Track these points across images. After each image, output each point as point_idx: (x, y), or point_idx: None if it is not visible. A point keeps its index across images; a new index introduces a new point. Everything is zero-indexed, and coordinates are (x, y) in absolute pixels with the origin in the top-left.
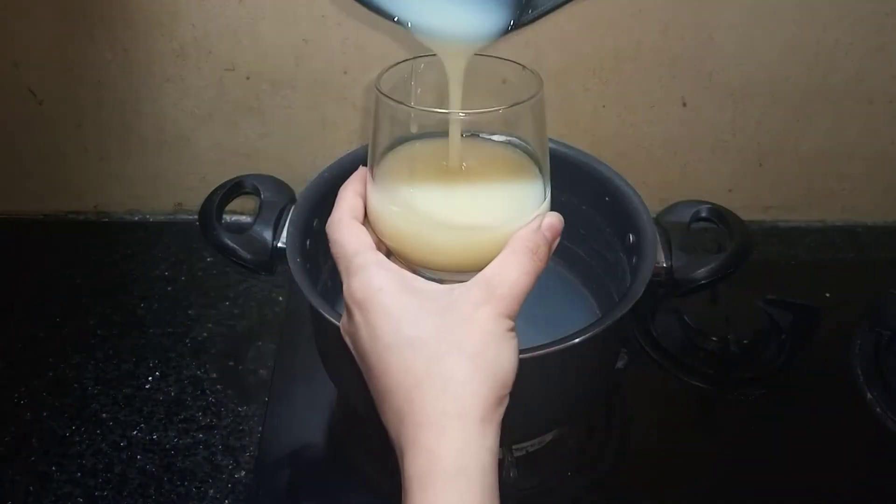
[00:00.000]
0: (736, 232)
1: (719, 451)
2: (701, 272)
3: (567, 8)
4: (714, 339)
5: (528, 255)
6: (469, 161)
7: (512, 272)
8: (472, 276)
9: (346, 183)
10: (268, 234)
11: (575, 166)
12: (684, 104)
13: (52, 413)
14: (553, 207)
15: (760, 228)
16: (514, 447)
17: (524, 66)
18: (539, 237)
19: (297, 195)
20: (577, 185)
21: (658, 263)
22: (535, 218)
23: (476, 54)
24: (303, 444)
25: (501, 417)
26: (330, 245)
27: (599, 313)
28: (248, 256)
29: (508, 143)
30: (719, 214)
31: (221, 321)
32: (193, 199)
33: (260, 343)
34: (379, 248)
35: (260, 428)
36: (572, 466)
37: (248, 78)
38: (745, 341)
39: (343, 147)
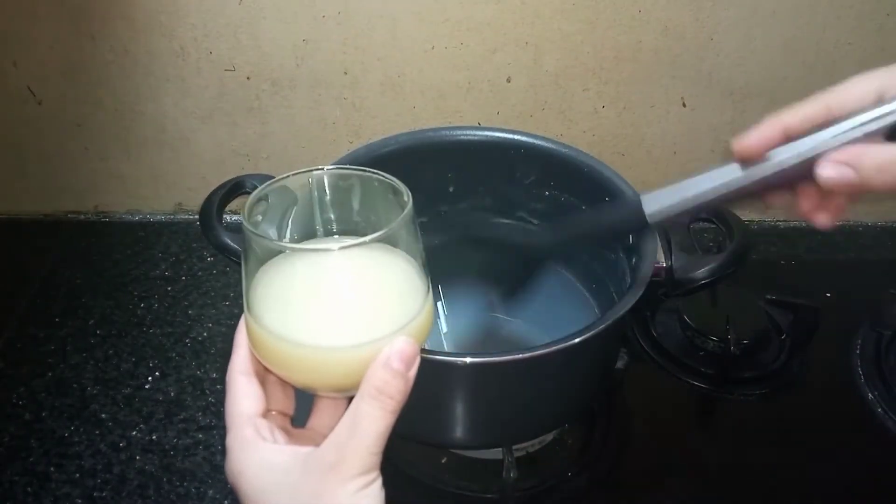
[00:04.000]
0: (736, 232)
1: (719, 451)
2: (701, 272)
3: (567, 8)
4: (714, 339)
5: (376, 400)
6: (336, 278)
7: (359, 425)
8: (351, 393)
9: (239, 325)
10: (269, 234)
11: (575, 166)
12: (684, 104)
13: (52, 413)
14: (554, 207)
15: (760, 228)
16: (514, 447)
17: (391, 181)
18: (386, 373)
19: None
20: (576, 185)
21: (658, 263)
22: (392, 341)
23: (345, 168)
24: None
25: None
26: None
27: (599, 313)
28: None
29: (384, 248)
30: (719, 214)
31: (221, 321)
32: (193, 199)
33: None
34: (269, 378)
35: None
36: (572, 466)
37: (248, 78)
38: (745, 341)
39: (343, 147)
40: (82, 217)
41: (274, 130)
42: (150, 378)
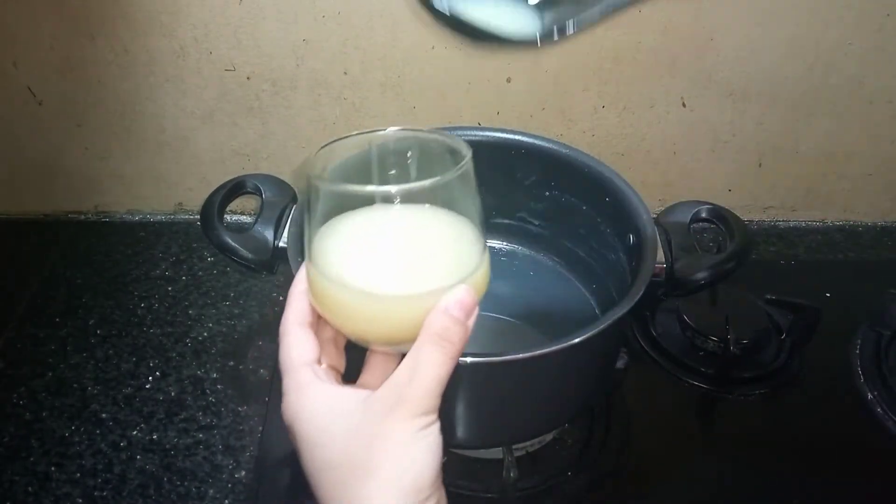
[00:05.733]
0: (736, 232)
1: (719, 451)
2: (701, 272)
3: None
4: (714, 339)
5: (437, 345)
6: (397, 230)
7: (421, 368)
8: (404, 348)
9: (295, 280)
10: (269, 234)
11: (575, 166)
12: (684, 104)
13: (52, 413)
14: (554, 208)
15: (760, 228)
16: (514, 447)
17: (452, 137)
18: (446, 319)
19: (299, 195)
20: (577, 185)
21: (658, 263)
22: (452, 290)
23: (407, 129)
24: None
25: None
26: None
27: (599, 313)
28: (250, 256)
29: (445, 208)
30: (719, 215)
31: (222, 321)
32: (194, 199)
33: (260, 343)
34: (323, 335)
35: (260, 428)
36: (572, 466)
37: (248, 78)
38: (745, 341)
39: None
40: (82, 217)
41: (274, 130)
42: (150, 378)
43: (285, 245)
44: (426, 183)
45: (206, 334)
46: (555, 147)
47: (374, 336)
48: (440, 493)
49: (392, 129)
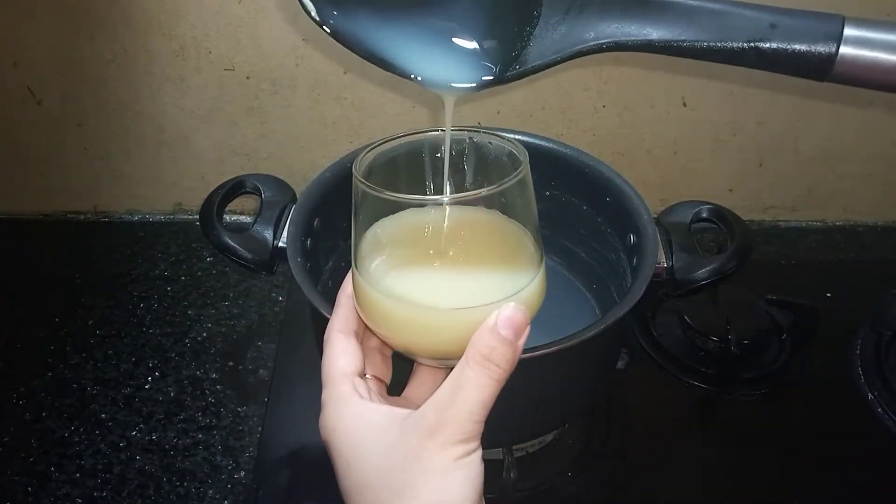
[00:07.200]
0: (737, 232)
1: (719, 451)
2: (702, 272)
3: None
4: (714, 339)
5: (481, 365)
6: (447, 238)
7: (462, 390)
8: (451, 363)
9: (343, 283)
10: (268, 234)
11: (575, 166)
12: (684, 104)
13: (52, 413)
14: (554, 207)
15: (761, 228)
16: (514, 447)
17: (511, 141)
18: (493, 338)
19: (298, 195)
20: (577, 185)
21: (659, 264)
22: (502, 306)
23: (461, 129)
24: (303, 445)
25: None
26: None
27: (599, 313)
28: (249, 256)
29: (498, 213)
30: (720, 215)
31: (221, 321)
32: (193, 199)
33: (260, 343)
34: (369, 344)
35: (260, 428)
36: (572, 466)
37: (248, 78)
38: (745, 341)
39: (343, 147)
40: (82, 217)
41: (273, 130)
42: (149, 378)
43: (284, 245)
44: (482, 192)
45: (205, 334)
46: (555, 147)
47: (419, 349)
48: None
49: (447, 127)
